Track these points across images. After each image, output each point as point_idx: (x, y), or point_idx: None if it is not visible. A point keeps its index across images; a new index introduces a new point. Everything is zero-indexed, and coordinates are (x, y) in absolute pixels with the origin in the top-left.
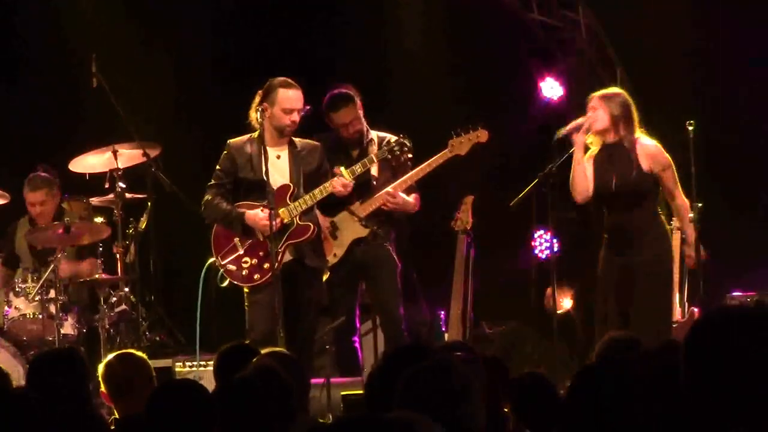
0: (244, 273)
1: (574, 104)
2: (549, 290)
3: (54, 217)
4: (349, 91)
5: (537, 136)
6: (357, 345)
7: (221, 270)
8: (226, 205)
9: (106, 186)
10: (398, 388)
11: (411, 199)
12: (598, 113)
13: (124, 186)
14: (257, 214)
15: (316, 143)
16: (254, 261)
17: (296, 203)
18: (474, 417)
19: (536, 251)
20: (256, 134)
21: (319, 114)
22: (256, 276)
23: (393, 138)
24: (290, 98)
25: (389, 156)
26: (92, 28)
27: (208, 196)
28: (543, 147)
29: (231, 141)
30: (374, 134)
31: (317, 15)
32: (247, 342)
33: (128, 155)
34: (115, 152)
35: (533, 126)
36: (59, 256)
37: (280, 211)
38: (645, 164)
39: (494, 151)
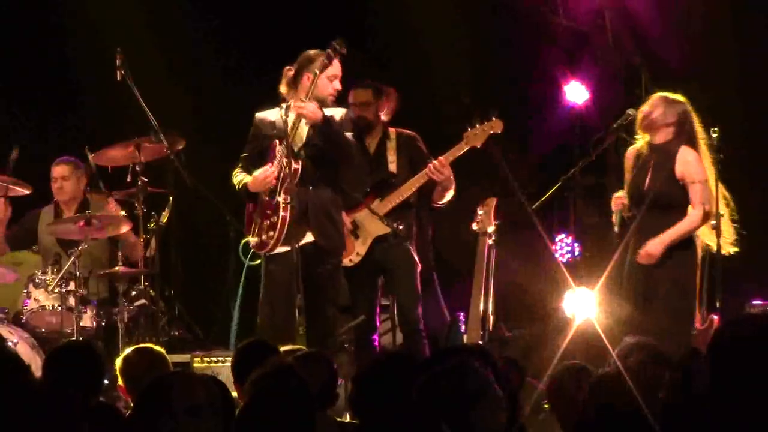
0: (264, 238)
1: (599, 109)
2: (569, 293)
3: (78, 204)
4: (380, 86)
5: (560, 140)
6: (376, 344)
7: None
8: (240, 178)
9: (129, 180)
10: (414, 391)
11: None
12: (655, 110)
13: (146, 180)
14: (259, 173)
15: (342, 109)
16: (265, 222)
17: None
18: (489, 421)
19: (558, 255)
20: (285, 104)
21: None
22: (270, 233)
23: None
24: (336, 65)
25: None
26: (116, 21)
27: (235, 170)
28: (566, 151)
29: (258, 114)
30: (393, 130)
31: (339, 12)
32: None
33: (151, 149)
34: (138, 146)
35: (557, 130)
36: (80, 248)
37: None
38: (678, 172)
39: (517, 154)
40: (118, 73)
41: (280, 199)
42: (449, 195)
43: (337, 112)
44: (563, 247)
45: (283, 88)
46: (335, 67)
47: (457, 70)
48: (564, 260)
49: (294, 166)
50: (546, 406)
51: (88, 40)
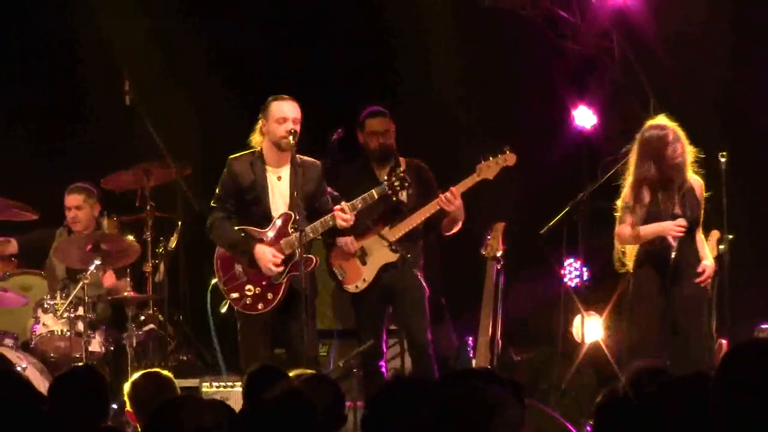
0: (248, 301)
1: (607, 133)
2: (578, 318)
3: (92, 229)
4: (386, 110)
5: (569, 164)
6: (383, 369)
7: (225, 295)
8: (233, 232)
9: (137, 204)
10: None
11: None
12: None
13: (154, 204)
14: (265, 254)
15: (316, 161)
16: (257, 290)
17: (295, 236)
18: None
19: (566, 279)
20: (258, 149)
21: (349, 139)
22: (260, 305)
23: (391, 174)
24: (282, 108)
25: (389, 192)
26: (127, 46)
27: (212, 218)
28: (575, 175)
29: (232, 158)
30: (402, 159)
31: (344, 38)
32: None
33: (159, 174)
34: (146, 170)
35: (565, 154)
36: (88, 273)
37: (282, 242)
38: (700, 197)
39: (526, 179)
40: (126, 97)
41: (284, 281)
42: (458, 226)
43: (313, 171)
44: (572, 271)
45: (257, 137)
46: (281, 110)
47: (465, 94)
48: (572, 285)
49: (311, 259)
50: None
51: (98, 64)
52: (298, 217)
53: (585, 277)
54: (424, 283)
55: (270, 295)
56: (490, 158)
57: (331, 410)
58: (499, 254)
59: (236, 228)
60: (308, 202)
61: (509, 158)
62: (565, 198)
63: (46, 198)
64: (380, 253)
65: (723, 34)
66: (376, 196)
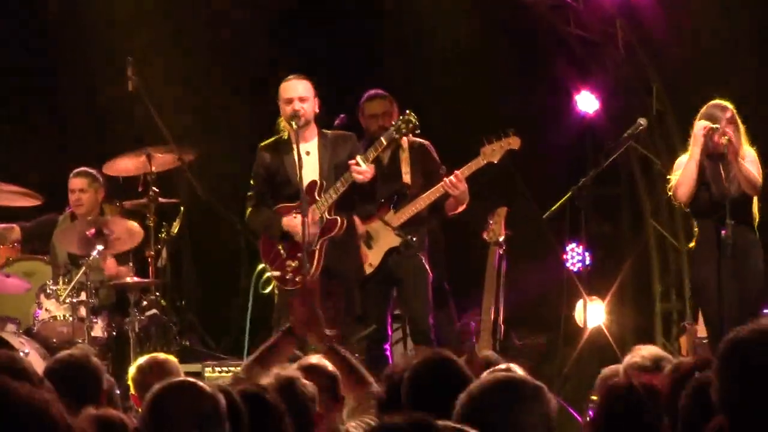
0: (288, 276)
1: (610, 118)
2: (580, 303)
3: (96, 214)
4: (386, 93)
5: (572, 149)
6: (388, 353)
7: (266, 276)
8: (265, 216)
9: (140, 190)
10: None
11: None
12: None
13: (157, 190)
14: (290, 221)
15: (348, 133)
16: (296, 263)
17: (323, 198)
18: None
19: (568, 264)
20: (283, 135)
21: (354, 121)
22: (298, 278)
23: (398, 119)
24: (286, 88)
25: (396, 135)
26: (128, 31)
27: (248, 210)
28: (578, 160)
29: (262, 145)
30: (404, 139)
31: (350, 22)
32: None
33: (162, 159)
34: (149, 156)
35: (568, 139)
36: (91, 258)
37: (312, 208)
38: None
39: (528, 164)
40: (129, 83)
41: (317, 249)
42: (462, 207)
43: (344, 143)
44: (574, 256)
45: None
46: (285, 91)
47: (469, 79)
48: (575, 269)
49: (336, 220)
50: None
51: (101, 49)
52: (324, 184)
53: (587, 262)
54: (427, 268)
55: (307, 266)
56: (495, 141)
57: (328, 392)
58: (501, 239)
59: (272, 210)
60: (339, 174)
61: (513, 141)
62: (567, 183)
63: (49, 184)
64: (385, 238)
65: (728, 21)
66: (384, 143)
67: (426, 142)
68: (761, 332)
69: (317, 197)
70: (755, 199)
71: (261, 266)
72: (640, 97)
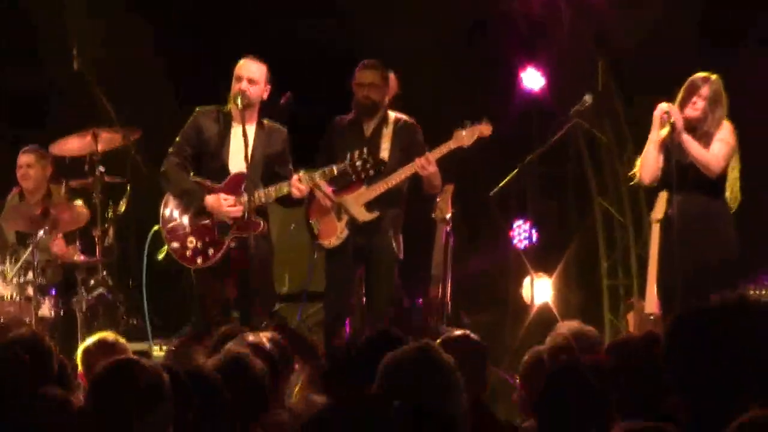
0: (187, 253)
1: (555, 95)
2: (527, 280)
3: (43, 193)
4: (382, 65)
5: (517, 126)
6: (347, 327)
7: (165, 243)
8: (187, 180)
9: (86, 169)
10: (378, 376)
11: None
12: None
13: (103, 169)
14: (218, 200)
15: (282, 127)
16: (199, 244)
17: (254, 197)
18: (456, 403)
19: (515, 241)
20: (225, 108)
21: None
22: (198, 260)
23: (356, 153)
24: (240, 66)
25: (350, 172)
26: (73, 10)
27: (167, 164)
28: (523, 137)
29: (199, 109)
30: (392, 115)
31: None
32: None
33: (108, 139)
34: (95, 135)
35: (514, 116)
36: (38, 238)
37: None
38: None
39: (475, 141)
40: (75, 62)
41: (227, 241)
42: (437, 190)
43: (278, 136)
44: (521, 233)
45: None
46: (239, 68)
47: (419, 59)
48: (522, 246)
49: (258, 223)
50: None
51: (47, 28)
52: (251, 178)
53: (534, 239)
54: (395, 249)
55: (211, 251)
56: (468, 126)
57: (280, 360)
58: (448, 216)
59: (190, 178)
60: (269, 165)
61: (485, 128)
62: (514, 160)
63: None
64: (355, 212)
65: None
66: (335, 173)
67: (412, 121)
68: (705, 310)
69: (241, 191)
70: (731, 175)
71: (156, 228)
72: (585, 73)
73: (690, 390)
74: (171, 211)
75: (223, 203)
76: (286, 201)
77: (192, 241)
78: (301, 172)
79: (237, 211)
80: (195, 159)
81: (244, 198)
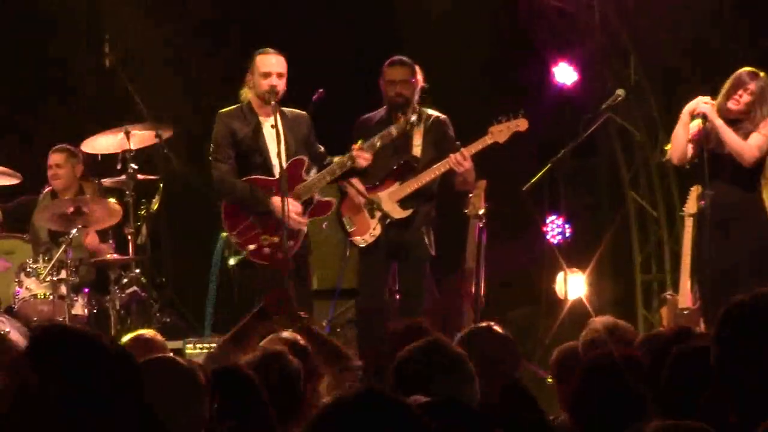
0: (266, 251)
1: (588, 90)
2: (560, 275)
3: (74, 192)
4: (411, 62)
5: (550, 121)
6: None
7: (234, 247)
8: (244, 187)
9: (118, 167)
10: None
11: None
12: None
13: (135, 167)
14: (286, 205)
15: (303, 112)
16: (275, 239)
17: (315, 180)
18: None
19: (549, 236)
20: (245, 104)
21: (371, 90)
22: (280, 254)
23: (409, 111)
24: (266, 62)
25: (408, 127)
26: (106, 8)
27: (219, 173)
28: (556, 132)
29: (223, 112)
30: (425, 111)
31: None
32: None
33: (140, 136)
34: (127, 133)
35: (547, 111)
36: (71, 236)
37: (298, 188)
38: None
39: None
40: (107, 60)
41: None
42: (470, 186)
43: (302, 121)
44: (554, 228)
45: (245, 91)
46: (265, 64)
47: (447, 53)
48: (555, 242)
49: (329, 202)
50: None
51: (78, 26)
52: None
53: (567, 234)
54: (428, 245)
55: (291, 242)
56: (503, 122)
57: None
58: (481, 212)
59: (243, 180)
60: (303, 149)
61: (521, 123)
62: (546, 155)
63: (28, 162)
64: (389, 208)
65: None
66: (394, 134)
67: (443, 117)
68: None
69: (304, 176)
70: None
71: (225, 234)
72: (617, 67)
73: (741, 385)
74: (234, 216)
75: (292, 209)
76: (345, 175)
77: (266, 238)
78: (359, 142)
79: (303, 224)
80: (235, 160)
81: (310, 181)
